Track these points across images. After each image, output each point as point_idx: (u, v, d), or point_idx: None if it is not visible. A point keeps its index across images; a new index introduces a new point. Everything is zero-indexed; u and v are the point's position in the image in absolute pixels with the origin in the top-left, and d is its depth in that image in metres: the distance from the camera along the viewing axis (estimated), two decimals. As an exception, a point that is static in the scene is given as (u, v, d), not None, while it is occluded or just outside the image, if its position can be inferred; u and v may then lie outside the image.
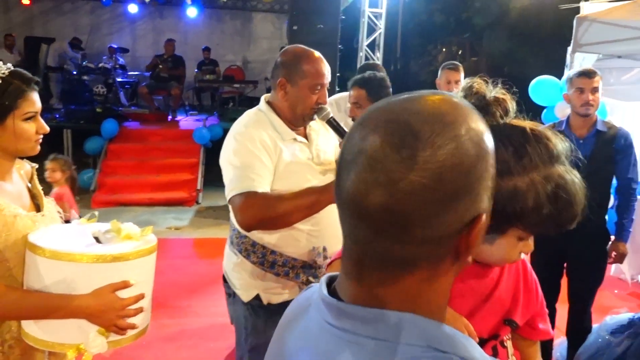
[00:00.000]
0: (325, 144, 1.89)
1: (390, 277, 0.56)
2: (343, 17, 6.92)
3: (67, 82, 9.01)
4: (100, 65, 8.91)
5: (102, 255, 1.33)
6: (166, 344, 3.22)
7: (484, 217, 0.56)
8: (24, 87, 1.40)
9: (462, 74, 3.70)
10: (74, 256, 1.32)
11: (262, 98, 1.87)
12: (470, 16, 15.02)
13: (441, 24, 15.38)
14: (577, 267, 2.82)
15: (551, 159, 0.91)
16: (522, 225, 0.92)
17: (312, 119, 1.82)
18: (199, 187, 6.91)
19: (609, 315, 2.85)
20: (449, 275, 0.58)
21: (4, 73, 1.38)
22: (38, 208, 1.54)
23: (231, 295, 1.89)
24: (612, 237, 2.84)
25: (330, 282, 0.63)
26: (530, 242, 1.00)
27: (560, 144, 0.92)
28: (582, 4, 5.92)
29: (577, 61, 5.05)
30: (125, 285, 1.34)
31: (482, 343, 1.06)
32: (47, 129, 1.47)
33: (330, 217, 1.68)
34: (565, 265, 2.87)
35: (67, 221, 1.66)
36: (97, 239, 1.42)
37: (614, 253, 2.81)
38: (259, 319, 1.83)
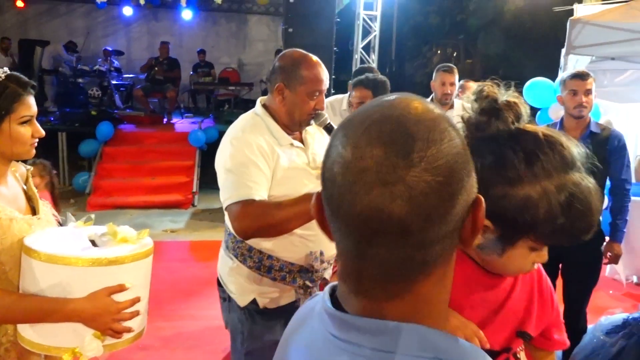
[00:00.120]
0: (320, 148, 1.88)
1: (404, 287, 0.55)
2: (338, 19, 6.93)
3: (62, 84, 8.99)
4: (95, 68, 8.90)
5: (97, 259, 1.33)
6: (162, 347, 3.21)
7: (482, 198, 0.57)
8: (20, 90, 1.40)
9: (457, 76, 3.72)
10: (69, 260, 1.31)
11: (258, 101, 1.85)
12: (465, 18, 15.09)
13: (436, 26, 15.45)
14: (572, 268, 2.83)
15: (565, 166, 0.87)
16: (534, 236, 0.89)
17: (309, 124, 1.80)
18: (194, 190, 6.90)
19: (603, 315, 2.86)
20: (453, 266, 0.59)
21: (0, 77, 1.38)
22: (34, 210, 1.53)
23: (226, 299, 1.88)
24: (607, 238, 2.86)
25: (333, 292, 0.62)
26: (544, 252, 0.95)
27: (576, 150, 0.88)
28: (575, 6, 5.97)
29: (571, 63, 5.09)
30: (121, 288, 1.34)
31: (494, 356, 1.02)
32: (43, 132, 1.47)
33: None
34: (560, 266, 2.88)
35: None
36: (93, 242, 1.42)
37: (609, 254, 2.83)
38: (255, 324, 1.82)
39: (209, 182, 6.82)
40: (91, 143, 7.22)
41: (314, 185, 1.74)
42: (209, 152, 7.13)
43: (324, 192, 0.57)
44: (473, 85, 5.20)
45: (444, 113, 0.56)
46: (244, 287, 1.81)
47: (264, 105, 1.82)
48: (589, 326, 2.83)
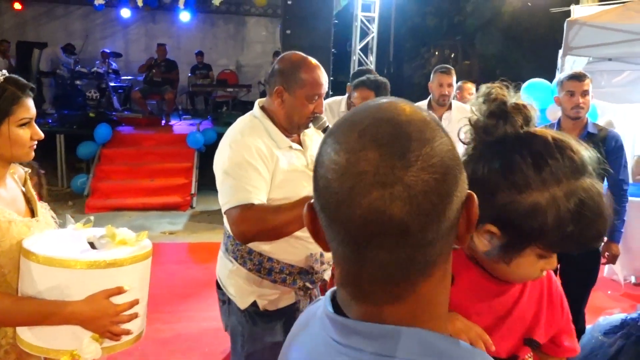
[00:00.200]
0: None
1: (407, 288, 0.55)
2: (336, 21, 6.95)
3: (60, 87, 8.99)
4: (93, 70, 8.91)
5: (96, 262, 1.33)
6: (160, 349, 3.21)
7: (474, 194, 0.57)
8: (19, 93, 1.40)
9: (454, 78, 3.73)
10: (67, 262, 1.31)
11: (256, 103, 1.85)
12: (463, 19, 15.12)
13: (434, 28, 15.47)
14: (571, 269, 2.84)
15: (575, 171, 0.84)
16: (542, 244, 0.86)
17: (307, 127, 1.80)
18: (193, 192, 6.90)
19: (602, 316, 2.87)
20: (451, 266, 0.59)
21: (-2, 79, 1.38)
22: (32, 213, 1.53)
23: (225, 302, 1.88)
24: (605, 239, 2.87)
25: (334, 296, 0.62)
26: (553, 259, 0.92)
27: (587, 155, 0.86)
28: (572, 8, 5.99)
29: (568, 64, 5.11)
30: (119, 291, 1.34)
31: None
32: (42, 135, 1.47)
33: None
34: (558, 266, 2.89)
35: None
36: (92, 245, 1.42)
37: (606, 254, 2.83)
38: (255, 326, 1.82)
39: (207, 183, 6.82)
40: (89, 145, 7.21)
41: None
42: (207, 154, 7.12)
43: (318, 201, 0.56)
44: (471, 87, 5.23)
45: (430, 114, 0.56)
46: (244, 289, 1.81)
47: (262, 108, 1.82)
48: (588, 326, 2.84)
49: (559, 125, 2.82)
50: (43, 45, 9.39)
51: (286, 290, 1.81)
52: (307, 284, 1.78)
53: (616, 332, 2.61)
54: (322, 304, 0.63)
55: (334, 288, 0.63)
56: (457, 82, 4.02)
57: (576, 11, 5.82)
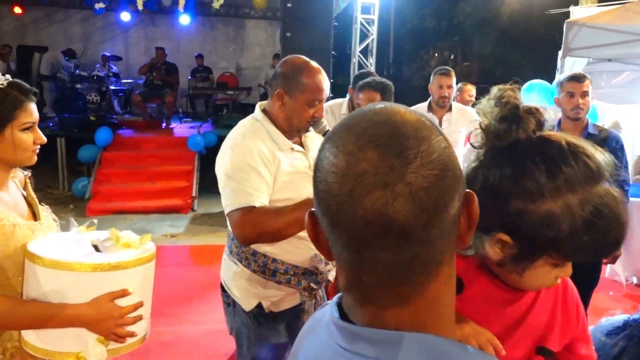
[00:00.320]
0: None
1: (414, 289, 0.55)
2: (335, 23, 6.96)
3: (61, 90, 9.01)
4: (94, 73, 8.90)
5: (100, 264, 1.33)
6: (162, 352, 3.21)
7: (473, 193, 0.58)
8: (22, 97, 1.41)
9: (454, 79, 3.74)
10: (72, 265, 1.32)
11: (257, 106, 1.86)
12: (462, 21, 15.14)
13: (433, 29, 15.49)
14: (572, 269, 2.84)
15: (590, 178, 0.81)
16: (556, 254, 0.84)
17: (307, 131, 1.81)
18: (194, 194, 6.90)
19: (604, 317, 2.87)
20: (455, 267, 0.59)
21: (2, 84, 1.38)
22: (34, 216, 1.54)
23: (230, 304, 1.88)
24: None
25: (341, 302, 0.62)
26: (568, 267, 0.89)
27: (602, 158, 0.83)
28: (571, 9, 6.01)
29: (568, 65, 5.12)
30: (124, 293, 1.35)
31: None
32: (45, 139, 1.48)
33: None
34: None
35: None
36: (96, 248, 1.43)
37: (607, 254, 2.83)
38: (261, 328, 1.82)
39: (208, 186, 6.82)
40: (90, 148, 7.22)
41: None
42: (208, 157, 7.13)
43: (319, 206, 0.56)
44: (471, 88, 5.24)
45: (424, 115, 0.57)
46: (248, 291, 1.82)
47: (264, 111, 1.83)
48: (589, 327, 2.83)
49: (559, 126, 2.83)
50: (43, 49, 9.40)
51: (291, 292, 1.82)
52: (312, 285, 1.79)
53: (618, 333, 2.60)
54: (328, 310, 0.63)
55: (341, 294, 0.62)
56: (456, 83, 4.03)
57: (575, 12, 5.84)
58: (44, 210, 1.59)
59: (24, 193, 1.57)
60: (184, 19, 10.60)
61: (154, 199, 6.76)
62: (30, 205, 1.56)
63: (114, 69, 9.76)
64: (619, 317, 2.76)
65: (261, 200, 1.65)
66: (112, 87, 9.22)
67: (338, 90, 6.17)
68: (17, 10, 10.27)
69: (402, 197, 0.50)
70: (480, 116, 0.89)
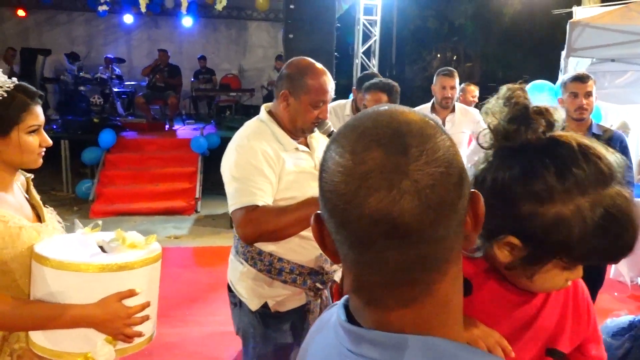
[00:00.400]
0: None
1: (423, 289, 0.55)
2: (338, 24, 6.97)
3: (64, 93, 9.04)
4: (97, 75, 8.94)
5: (107, 265, 1.34)
6: (167, 353, 3.21)
7: (478, 193, 0.58)
8: (28, 100, 1.42)
9: (457, 80, 3.74)
10: (79, 266, 1.33)
11: (263, 107, 1.88)
12: (464, 22, 15.13)
13: (435, 30, 15.50)
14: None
15: (601, 180, 0.79)
16: (566, 257, 0.82)
17: (312, 131, 1.83)
18: (197, 196, 6.91)
19: (609, 318, 2.86)
20: (462, 267, 0.58)
21: (8, 87, 1.39)
22: (39, 218, 1.55)
23: (237, 305, 1.89)
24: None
25: (347, 304, 0.61)
26: (579, 269, 0.87)
27: (614, 161, 0.81)
28: (574, 9, 6.00)
29: (571, 65, 5.12)
30: (131, 293, 1.36)
31: None
32: (50, 142, 1.49)
33: None
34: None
35: None
36: (102, 248, 1.43)
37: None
38: (267, 327, 1.83)
39: (211, 188, 6.84)
40: (94, 150, 7.24)
41: None
42: (211, 158, 7.14)
43: (325, 206, 0.56)
44: (474, 89, 5.23)
45: (428, 115, 0.58)
46: (255, 290, 1.83)
47: (269, 112, 1.85)
48: (594, 328, 2.83)
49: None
50: (47, 51, 9.43)
51: (297, 291, 1.82)
52: (318, 285, 1.80)
53: (624, 334, 2.59)
54: (335, 311, 0.63)
55: (347, 296, 0.62)
56: (459, 84, 4.03)
57: (578, 12, 5.83)
58: (49, 212, 1.60)
59: (27, 196, 1.57)
60: (187, 21, 10.62)
61: (157, 200, 6.77)
62: (34, 207, 1.56)
63: (117, 71, 9.78)
64: (624, 318, 2.75)
65: (265, 199, 1.66)
66: (115, 89, 9.26)
67: (340, 92, 6.17)
68: (21, 13, 10.31)
69: (408, 194, 0.50)
70: (489, 116, 0.88)
